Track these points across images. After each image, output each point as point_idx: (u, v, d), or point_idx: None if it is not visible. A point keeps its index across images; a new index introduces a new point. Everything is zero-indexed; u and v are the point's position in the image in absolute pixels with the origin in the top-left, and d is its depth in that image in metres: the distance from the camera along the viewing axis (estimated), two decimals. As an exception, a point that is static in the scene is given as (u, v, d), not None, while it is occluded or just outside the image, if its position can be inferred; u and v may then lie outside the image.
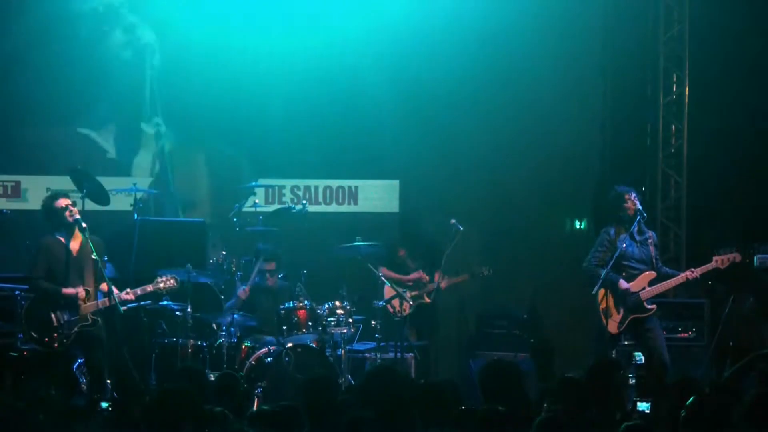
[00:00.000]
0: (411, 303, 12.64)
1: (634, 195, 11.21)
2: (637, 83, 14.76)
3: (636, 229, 11.15)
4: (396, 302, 12.54)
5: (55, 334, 10.66)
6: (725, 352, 12.23)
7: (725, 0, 13.99)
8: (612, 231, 11.26)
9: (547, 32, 14.38)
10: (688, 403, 6.51)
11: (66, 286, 10.66)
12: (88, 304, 10.68)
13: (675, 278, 11.31)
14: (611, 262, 11.01)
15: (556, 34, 14.40)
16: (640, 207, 11.20)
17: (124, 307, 10.99)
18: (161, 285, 10.94)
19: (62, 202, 10.72)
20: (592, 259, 11.21)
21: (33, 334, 10.74)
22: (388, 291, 12.71)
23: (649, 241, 11.30)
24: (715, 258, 11.22)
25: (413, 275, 12.93)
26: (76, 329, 10.67)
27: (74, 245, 10.76)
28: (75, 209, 10.78)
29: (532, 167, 14.60)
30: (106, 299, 10.61)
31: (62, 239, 10.76)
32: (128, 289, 10.81)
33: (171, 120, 14.73)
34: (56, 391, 10.13)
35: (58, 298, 10.62)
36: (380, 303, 12.34)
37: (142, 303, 11.76)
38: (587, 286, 11.27)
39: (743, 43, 14.00)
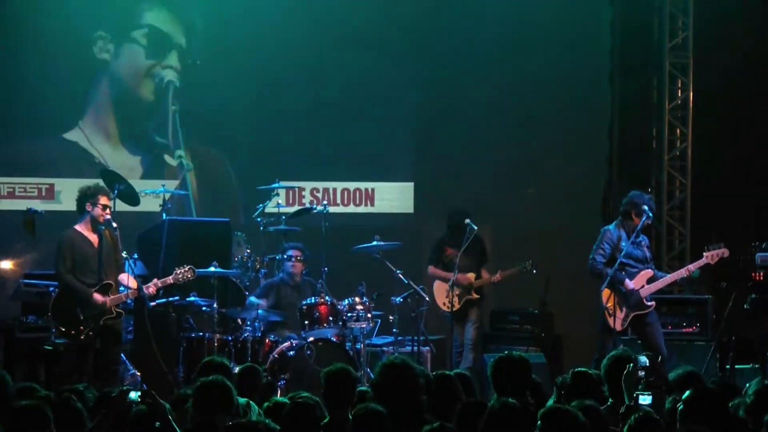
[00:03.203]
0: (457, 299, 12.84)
1: (649, 216, 11.50)
2: (644, 89, 14.97)
3: (636, 233, 11.48)
4: (447, 299, 12.74)
5: (81, 327, 10.72)
6: (728, 347, 12.48)
7: (728, 9, 14.17)
8: (613, 230, 11.52)
9: (557, 41, 14.62)
10: (684, 396, 6.68)
11: (91, 281, 10.76)
12: (114, 296, 10.79)
13: (671, 275, 11.61)
14: (617, 263, 11.27)
15: (566, 43, 14.64)
16: (645, 223, 11.53)
17: (153, 303, 11.26)
18: (180, 276, 11.09)
19: (103, 200, 10.82)
20: (597, 256, 11.44)
21: (60, 326, 10.87)
22: (438, 287, 12.93)
23: (643, 244, 11.57)
24: (705, 254, 11.49)
25: (463, 277, 12.83)
26: (101, 322, 10.76)
27: (95, 237, 10.84)
28: (107, 212, 10.83)
29: (543, 170, 14.84)
30: (134, 291, 10.78)
31: (84, 231, 10.86)
32: (150, 282, 10.99)
33: (194, 127, 14.92)
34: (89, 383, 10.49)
35: (85, 298, 10.75)
36: (397, 299, 12.44)
37: (170, 299, 12.02)
38: (595, 282, 11.52)
39: (745, 51, 14.20)
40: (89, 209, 10.84)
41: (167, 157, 14.98)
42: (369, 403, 6.84)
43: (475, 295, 12.97)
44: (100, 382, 10.28)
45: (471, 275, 12.91)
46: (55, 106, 14.51)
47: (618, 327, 11.38)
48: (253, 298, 12.44)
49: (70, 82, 14.60)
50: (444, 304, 12.86)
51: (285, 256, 12.53)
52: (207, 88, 14.78)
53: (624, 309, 11.40)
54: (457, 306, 12.88)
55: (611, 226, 11.65)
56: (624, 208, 11.60)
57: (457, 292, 12.90)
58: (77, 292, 10.80)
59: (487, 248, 13.37)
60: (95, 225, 10.86)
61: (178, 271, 11.16)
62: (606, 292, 11.43)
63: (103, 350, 10.95)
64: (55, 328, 11.13)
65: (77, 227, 10.92)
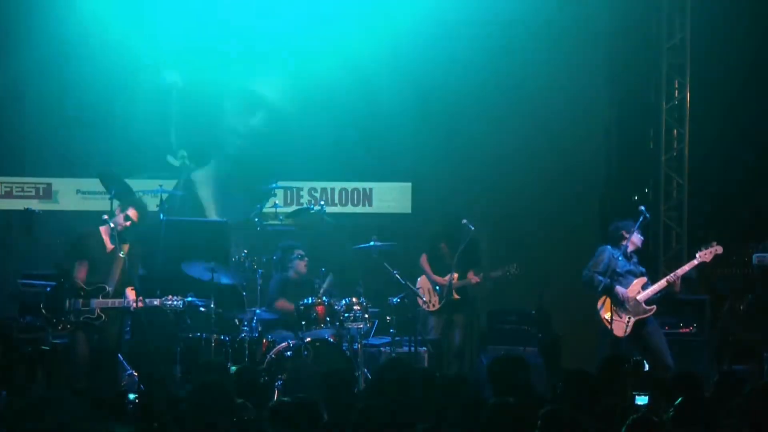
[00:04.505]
0: (436, 303, 12.85)
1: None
2: (641, 90, 15.03)
3: (629, 254, 11.68)
4: (427, 295, 12.79)
5: (63, 318, 10.99)
6: (725, 347, 12.64)
7: (725, 10, 14.24)
8: (611, 249, 11.69)
9: (555, 42, 14.65)
10: (676, 403, 6.72)
11: (91, 280, 10.99)
12: (100, 300, 10.99)
13: (666, 278, 11.67)
14: (611, 272, 11.41)
15: (563, 44, 14.67)
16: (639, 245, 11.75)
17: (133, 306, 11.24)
18: (168, 303, 11.24)
19: (131, 212, 11.17)
20: (592, 267, 11.63)
21: (45, 313, 11.11)
22: (423, 281, 12.94)
23: (640, 268, 11.78)
24: (698, 254, 11.54)
25: (446, 278, 12.80)
26: (81, 318, 10.97)
27: (110, 242, 11.10)
28: (128, 223, 11.14)
29: (541, 170, 14.82)
30: (120, 300, 10.96)
31: (103, 233, 11.11)
32: (140, 297, 11.09)
33: (195, 127, 14.94)
34: (85, 383, 10.54)
35: (65, 280, 11.04)
36: (395, 300, 12.47)
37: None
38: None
39: (742, 51, 14.24)
40: (117, 212, 11.15)
41: (169, 158, 15.01)
42: (371, 402, 6.90)
43: (456, 296, 12.89)
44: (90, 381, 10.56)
45: (454, 275, 12.86)
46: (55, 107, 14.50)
47: (620, 333, 11.47)
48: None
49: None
50: (424, 303, 12.86)
51: (293, 255, 12.60)
52: (208, 89, 14.83)
53: (623, 315, 11.46)
54: (437, 306, 12.84)
55: (609, 246, 11.78)
56: (611, 235, 11.83)
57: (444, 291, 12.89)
58: (63, 276, 11.10)
59: (480, 251, 13.33)
60: (113, 230, 11.08)
61: (169, 299, 11.26)
62: (601, 301, 11.56)
63: (97, 353, 11.16)
64: (43, 317, 11.27)
65: (100, 227, 11.16)
